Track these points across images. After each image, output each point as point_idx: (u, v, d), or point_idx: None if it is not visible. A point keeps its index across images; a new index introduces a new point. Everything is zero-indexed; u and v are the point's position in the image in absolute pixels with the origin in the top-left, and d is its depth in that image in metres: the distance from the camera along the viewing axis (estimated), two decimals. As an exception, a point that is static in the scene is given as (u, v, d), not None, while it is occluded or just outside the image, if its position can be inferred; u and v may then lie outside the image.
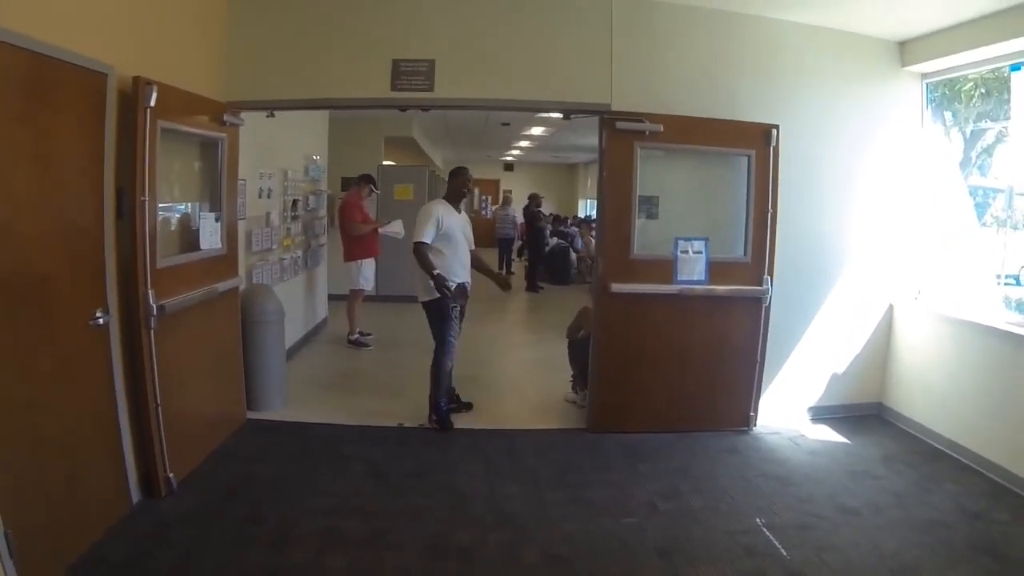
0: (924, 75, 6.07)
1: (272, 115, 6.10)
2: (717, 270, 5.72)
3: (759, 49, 5.84)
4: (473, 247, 6.07)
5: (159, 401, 4.28)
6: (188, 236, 4.97)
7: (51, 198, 3.53)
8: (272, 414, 5.94)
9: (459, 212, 5.93)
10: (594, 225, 17.24)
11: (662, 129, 5.49)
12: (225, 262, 5.32)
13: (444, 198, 5.98)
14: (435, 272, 5.50)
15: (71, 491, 3.63)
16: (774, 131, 5.65)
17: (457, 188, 5.97)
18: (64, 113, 3.58)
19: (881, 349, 6.35)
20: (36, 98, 3.36)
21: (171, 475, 4.39)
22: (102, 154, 3.89)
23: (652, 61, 5.69)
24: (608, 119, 5.57)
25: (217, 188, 5.26)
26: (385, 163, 12.88)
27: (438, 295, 5.61)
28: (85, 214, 3.82)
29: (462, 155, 23.54)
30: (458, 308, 5.80)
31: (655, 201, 5.82)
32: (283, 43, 5.54)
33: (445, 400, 5.86)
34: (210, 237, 5.05)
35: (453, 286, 5.63)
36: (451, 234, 5.71)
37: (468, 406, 6.28)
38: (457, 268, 5.76)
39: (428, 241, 5.63)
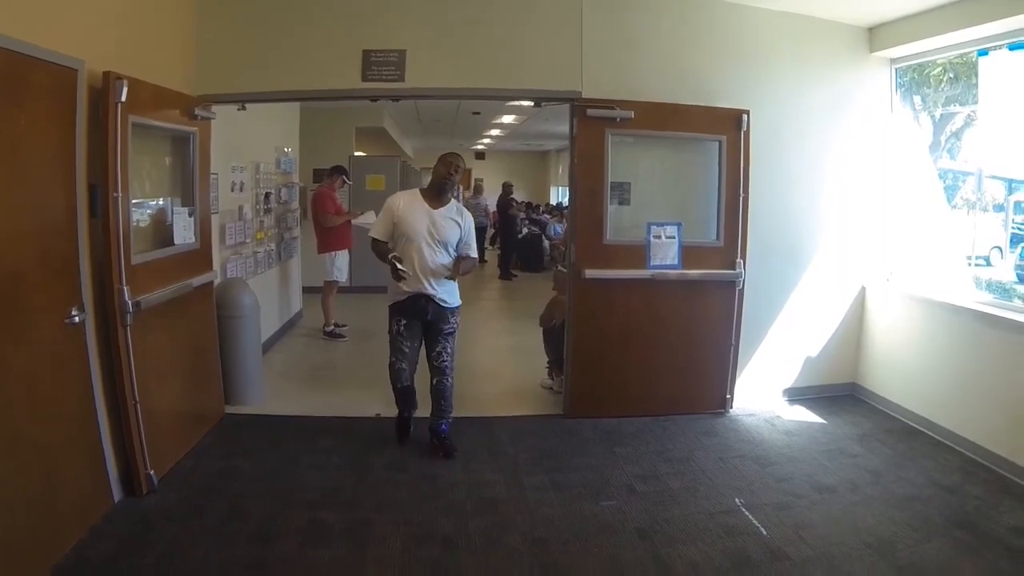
0: (893, 60, 6.15)
1: (243, 108, 6.04)
2: (690, 255, 5.76)
3: (730, 35, 5.87)
4: (467, 253, 5.09)
5: (137, 398, 4.24)
6: (162, 232, 4.92)
7: (22, 195, 3.46)
8: (250, 408, 5.91)
9: (436, 207, 4.94)
10: (565, 213, 17.39)
11: (633, 116, 5.52)
12: (199, 257, 5.27)
13: (423, 188, 5.09)
14: (390, 256, 4.79)
15: (52, 491, 3.60)
16: (745, 116, 5.70)
17: (438, 177, 4.98)
18: (34, 109, 3.50)
19: (854, 330, 6.46)
20: (4, 94, 3.28)
21: (151, 472, 4.35)
22: (73, 150, 3.82)
23: (623, 48, 5.70)
24: (579, 106, 5.58)
25: (190, 183, 5.20)
26: (356, 154, 12.81)
27: (393, 300, 5.04)
28: (57, 211, 3.76)
29: (433, 144, 23.45)
30: (404, 323, 5.02)
31: (627, 187, 5.85)
32: (253, 35, 5.49)
33: (406, 408, 5.38)
34: (184, 232, 5.00)
35: (405, 293, 4.92)
36: (405, 231, 4.90)
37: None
38: (416, 275, 4.87)
39: (378, 237, 5.02)
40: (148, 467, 4.34)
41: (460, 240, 5.01)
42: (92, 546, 3.73)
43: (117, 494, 4.21)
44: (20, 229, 3.45)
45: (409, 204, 4.96)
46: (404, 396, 5.29)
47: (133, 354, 4.22)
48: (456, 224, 4.98)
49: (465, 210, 5.13)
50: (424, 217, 4.90)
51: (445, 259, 4.94)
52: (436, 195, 4.99)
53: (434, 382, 5.12)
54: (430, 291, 4.91)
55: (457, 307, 5.12)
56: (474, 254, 5.17)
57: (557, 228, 16.75)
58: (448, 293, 5.01)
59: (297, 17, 5.50)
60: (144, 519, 4.04)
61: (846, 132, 6.17)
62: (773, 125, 5.88)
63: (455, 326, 5.12)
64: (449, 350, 5.10)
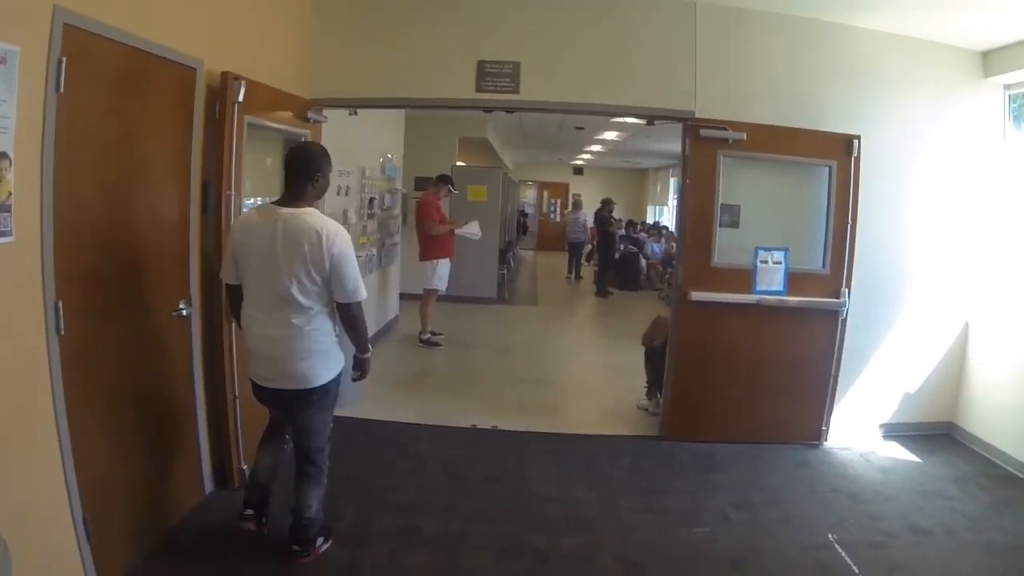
0: (1007, 86, 5.79)
1: (355, 113, 6.12)
2: (795, 281, 5.59)
3: (840, 58, 5.67)
4: (344, 299, 3.35)
5: (236, 393, 4.31)
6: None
7: (140, 190, 3.58)
8: (345, 411, 5.89)
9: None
10: (664, 232, 17.23)
11: (745, 137, 5.40)
12: (304, 258, 5.33)
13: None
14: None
15: (148, 479, 3.68)
16: (856, 141, 5.49)
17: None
18: (154, 107, 3.62)
19: (955, 367, 6.08)
20: (128, 91, 3.40)
21: (245, 467, 4.40)
22: (189, 148, 3.94)
23: (735, 69, 5.58)
24: (692, 126, 5.49)
25: (299, 184, 5.27)
26: (458, 164, 12.90)
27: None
28: (172, 206, 3.86)
29: (533, 157, 23.69)
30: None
31: (736, 210, 5.69)
32: (368, 41, 5.57)
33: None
34: (290, 233, 5.05)
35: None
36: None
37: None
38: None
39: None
40: (242, 462, 4.40)
41: None
42: (182, 535, 3.82)
43: (209, 486, 4.29)
44: (137, 221, 3.57)
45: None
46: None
47: (236, 350, 4.27)
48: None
49: None
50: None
51: None
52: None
53: None
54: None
55: None
56: None
57: (655, 247, 16.54)
58: None
59: (411, 26, 5.57)
60: (235, 512, 4.04)
61: (955, 159, 5.84)
62: (880, 150, 5.62)
63: None
64: None
